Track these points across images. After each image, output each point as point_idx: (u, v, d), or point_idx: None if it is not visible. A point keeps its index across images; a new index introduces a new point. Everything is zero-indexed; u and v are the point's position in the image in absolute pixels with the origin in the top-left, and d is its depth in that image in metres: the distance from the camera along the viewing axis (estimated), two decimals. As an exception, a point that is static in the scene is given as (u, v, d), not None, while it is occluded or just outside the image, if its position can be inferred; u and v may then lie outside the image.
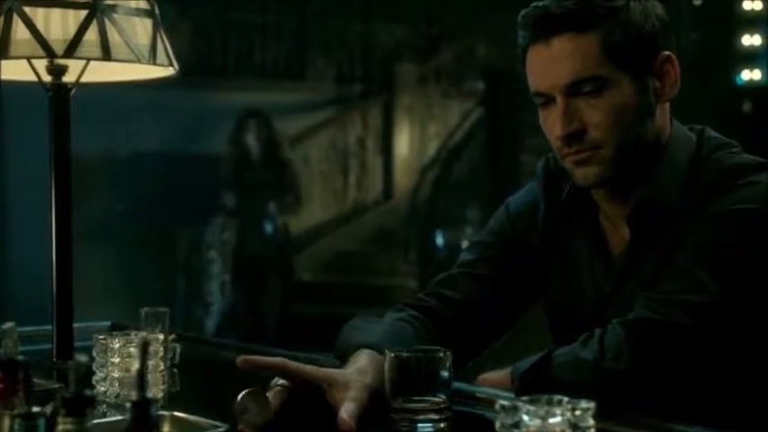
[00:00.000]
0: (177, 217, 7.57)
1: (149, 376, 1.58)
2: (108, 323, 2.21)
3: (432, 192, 7.64)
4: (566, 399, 1.05)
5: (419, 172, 8.43)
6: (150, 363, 1.59)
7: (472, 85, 9.08)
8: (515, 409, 1.03)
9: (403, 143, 8.66)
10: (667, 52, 1.56)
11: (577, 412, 1.03)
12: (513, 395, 1.41)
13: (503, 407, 1.03)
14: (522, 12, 1.59)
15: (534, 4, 1.58)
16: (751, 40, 8.18)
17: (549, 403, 1.04)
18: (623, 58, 1.52)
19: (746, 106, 7.92)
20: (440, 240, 6.06)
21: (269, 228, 6.43)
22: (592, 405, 1.02)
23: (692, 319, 1.40)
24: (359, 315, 1.64)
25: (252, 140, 6.63)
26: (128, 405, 0.99)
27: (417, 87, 8.80)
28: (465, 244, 5.74)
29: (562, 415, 1.03)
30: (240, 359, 1.40)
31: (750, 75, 7.90)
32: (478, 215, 6.45)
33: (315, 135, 7.97)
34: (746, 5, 8.28)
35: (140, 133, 7.98)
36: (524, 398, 1.04)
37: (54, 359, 1.82)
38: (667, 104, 1.60)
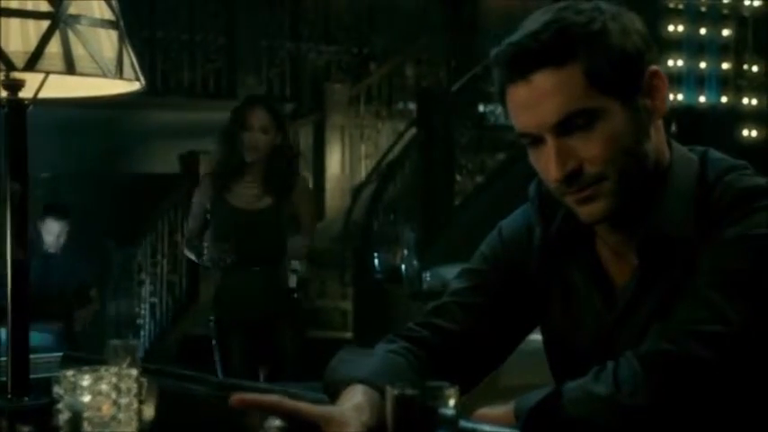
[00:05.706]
0: (103, 237, 7.39)
1: (121, 416, 1.46)
2: (59, 354, 2.08)
3: (366, 212, 7.56)
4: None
5: (352, 192, 8.36)
6: (122, 401, 1.48)
7: (404, 106, 9.07)
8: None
9: (334, 163, 8.59)
10: (654, 67, 1.47)
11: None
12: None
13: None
14: (494, 51, 1.47)
15: (506, 40, 1.46)
16: (674, 62, 8.31)
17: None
18: (610, 84, 1.43)
19: (672, 128, 8.02)
20: (376, 262, 5.95)
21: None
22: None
23: (711, 350, 1.33)
24: (346, 347, 1.54)
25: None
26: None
27: (348, 107, 8.75)
28: (403, 267, 5.65)
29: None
30: (234, 399, 1.30)
31: (674, 97, 8.00)
32: (414, 236, 6.36)
33: (245, 155, 7.84)
34: (670, 28, 8.41)
35: (65, 151, 7.79)
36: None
37: (9, 396, 1.69)
38: (660, 122, 1.51)
